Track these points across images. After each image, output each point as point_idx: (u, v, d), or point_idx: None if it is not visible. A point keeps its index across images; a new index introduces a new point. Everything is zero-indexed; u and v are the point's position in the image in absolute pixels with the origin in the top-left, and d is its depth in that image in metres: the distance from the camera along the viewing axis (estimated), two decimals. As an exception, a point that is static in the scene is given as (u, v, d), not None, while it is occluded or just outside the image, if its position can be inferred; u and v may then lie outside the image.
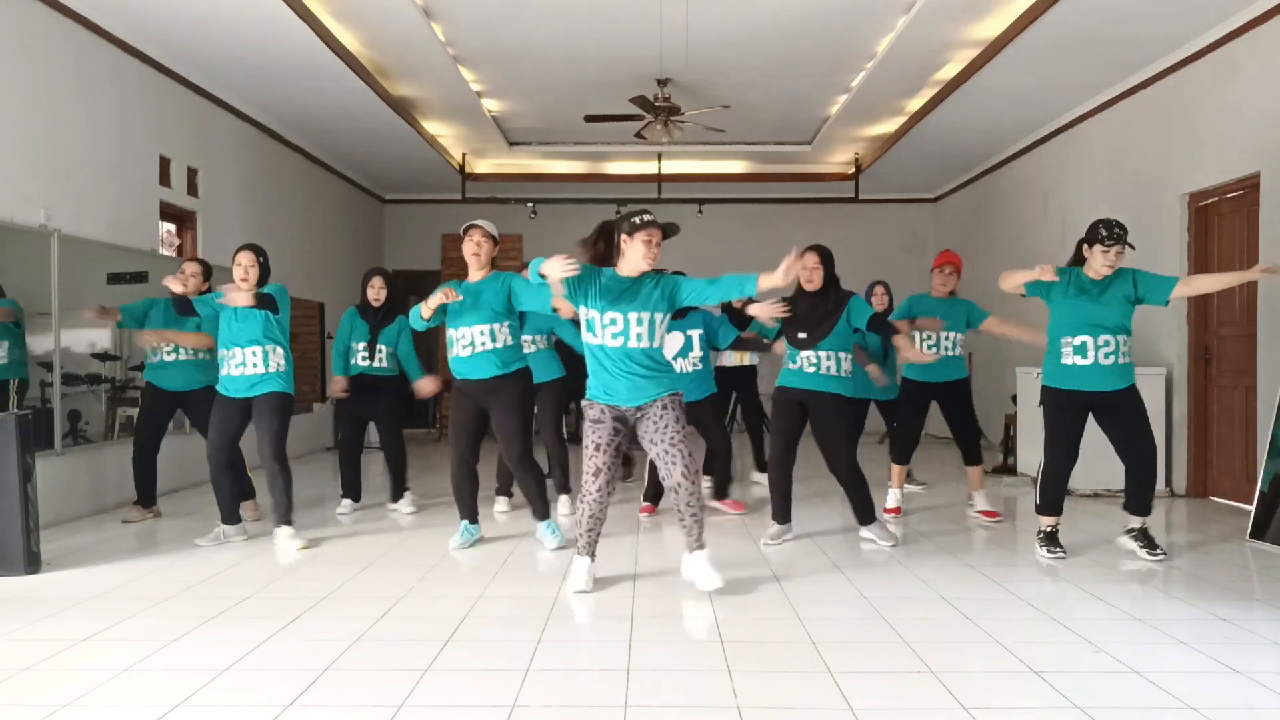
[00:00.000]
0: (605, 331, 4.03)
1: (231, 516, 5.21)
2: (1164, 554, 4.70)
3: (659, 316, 4.06)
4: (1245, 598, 4.03)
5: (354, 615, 3.71)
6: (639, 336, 4.03)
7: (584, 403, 4.14)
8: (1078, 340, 4.62)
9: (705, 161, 11.24)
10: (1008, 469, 8.08)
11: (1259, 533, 5.11)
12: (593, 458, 4.07)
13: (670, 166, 11.44)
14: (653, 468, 6.07)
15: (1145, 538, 4.75)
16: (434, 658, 3.19)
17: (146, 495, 5.85)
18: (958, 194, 11.86)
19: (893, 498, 5.97)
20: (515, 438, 4.91)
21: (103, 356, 6.38)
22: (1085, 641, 3.40)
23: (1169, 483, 6.83)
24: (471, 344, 4.82)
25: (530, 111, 9.19)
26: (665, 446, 4.06)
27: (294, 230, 9.55)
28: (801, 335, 4.94)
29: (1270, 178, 5.93)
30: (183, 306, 5.13)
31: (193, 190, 7.65)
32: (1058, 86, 7.76)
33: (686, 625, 3.64)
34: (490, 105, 9.00)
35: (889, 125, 9.47)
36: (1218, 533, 5.46)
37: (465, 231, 4.91)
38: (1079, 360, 4.62)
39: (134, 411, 6.65)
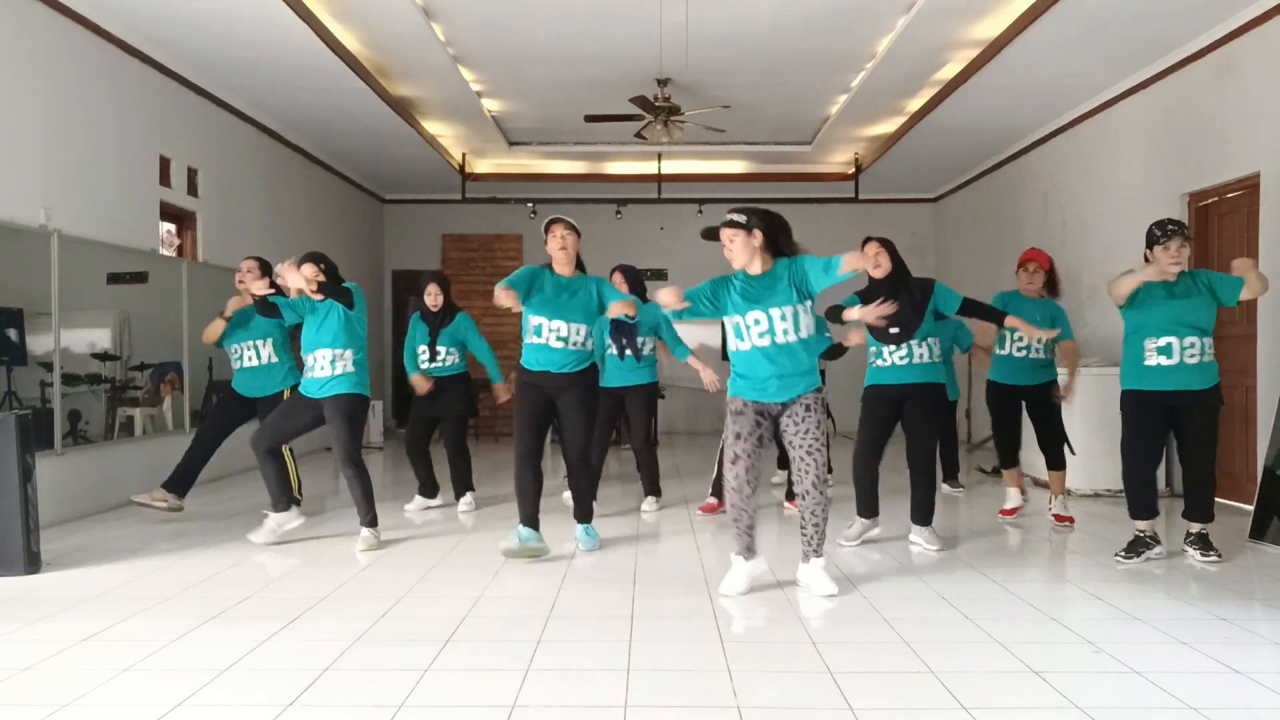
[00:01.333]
0: (752, 332, 4.02)
1: (280, 503, 5.15)
2: (1218, 557, 4.66)
3: (801, 307, 4.03)
4: (1245, 598, 4.03)
5: (354, 615, 3.71)
6: (785, 332, 4.00)
7: (728, 398, 4.13)
8: (1163, 341, 4.59)
9: (705, 161, 11.24)
10: (1008, 469, 8.07)
11: (1259, 533, 5.11)
12: (731, 446, 4.06)
13: (670, 166, 11.44)
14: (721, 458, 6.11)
15: (1202, 542, 4.72)
16: (434, 658, 3.19)
17: (182, 483, 5.82)
18: (958, 194, 11.86)
19: (1012, 498, 5.93)
20: (582, 434, 4.86)
21: (103, 356, 6.38)
22: (1085, 641, 3.40)
23: (1169, 483, 6.82)
24: (566, 339, 4.75)
25: (530, 111, 9.19)
26: (802, 453, 4.05)
27: (294, 230, 9.55)
28: (894, 330, 4.81)
29: (1270, 178, 5.93)
30: (265, 308, 5.06)
31: (193, 190, 7.66)
32: (1057, 86, 7.76)
33: (686, 625, 3.63)
34: (490, 105, 9.00)
35: (889, 125, 9.47)
36: (1218, 533, 5.44)
37: (547, 227, 4.80)
38: (1163, 361, 4.59)
39: (134, 411, 6.67)
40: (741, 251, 4.03)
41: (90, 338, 6.29)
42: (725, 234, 4.06)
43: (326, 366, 5.00)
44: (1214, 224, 6.71)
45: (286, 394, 5.77)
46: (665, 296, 3.97)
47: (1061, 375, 5.95)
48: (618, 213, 12.05)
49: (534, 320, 4.76)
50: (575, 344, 4.78)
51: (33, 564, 4.45)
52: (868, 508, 5.06)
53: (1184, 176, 6.83)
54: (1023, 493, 6.06)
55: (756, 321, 4.01)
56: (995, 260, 9.70)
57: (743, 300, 4.04)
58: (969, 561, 4.70)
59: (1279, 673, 3.11)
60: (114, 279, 6.51)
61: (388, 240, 12.83)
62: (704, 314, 4.12)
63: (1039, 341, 5.61)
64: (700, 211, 12.00)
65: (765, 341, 4.00)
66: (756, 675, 3.03)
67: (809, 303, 4.05)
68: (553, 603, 3.92)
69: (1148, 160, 7.31)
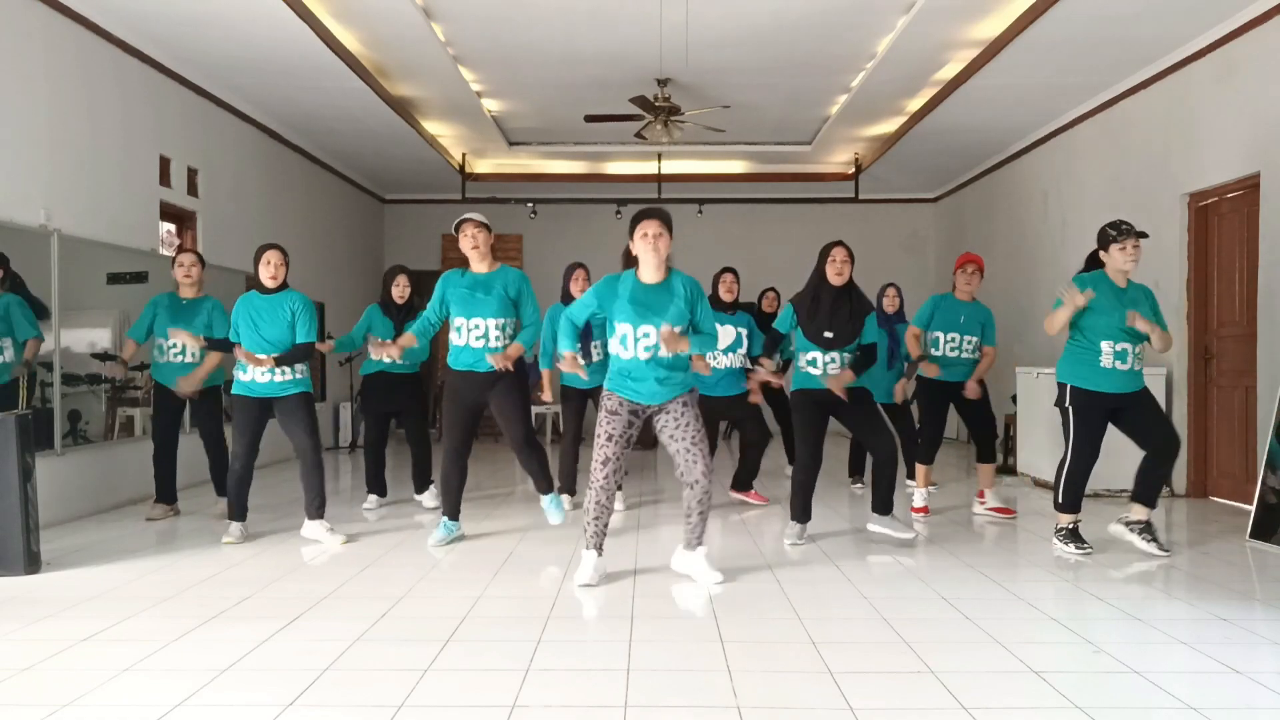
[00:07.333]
0: (639, 345, 4.07)
1: (244, 513, 5.30)
2: (1169, 552, 4.73)
3: (688, 326, 4.13)
4: (1245, 598, 4.03)
5: (354, 615, 3.71)
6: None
7: (604, 392, 4.21)
8: (1119, 346, 4.70)
9: (705, 161, 11.25)
10: (1007, 469, 8.09)
11: (1259, 533, 5.11)
12: (603, 447, 4.14)
13: (670, 166, 11.44)
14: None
15: (1152, 531, 4.81)
16: (434, 658, 3.19)
17: (165, 492, 5.93)
18: (958, 194, 11.86)
19: (919, 497, 5.99)
20: (517, 420, 4.97)
21: (102, 357, 6.38)
22: (1085, 641, 3.40)
23: (1169, 482, 6.83)
24: (485, 335, 4.85)
25: (530, 111, 9.19)
26: (686, 444, 4.15)
27: (294, 230, 9.54)
28: (828, 335, 4.89)
29: (1270, 178, 5.93)
30: (226, 345, 5.24)
31: (193, 190, 7.65)
32: (1058, 86, 7.76)
33: (686, 625, 3.64)
34: (490, 105, 9.00)
35: (889, 125, 9.47)
36: (1218, 533, 5.45)
37: (457, 228, 4.90)
38: (1118, 365, 4.71)
39: (134, 411, 6.68)
40: (664, 250, 4.08)
41: (90, 338, 6.29)
42: (655, 227, 4.06)
43: (287, 370, 5.12)
44: (1214, 224, 6.70)
45: (221, 390, 5.94)
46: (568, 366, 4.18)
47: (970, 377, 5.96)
48: (618, 213, 12.04)
49: (454, 320, 4.90)
50: (496, 339, 4.86)
51: (33, 564, 4.45)
52: (804, 512, 5.11)
53: (1184, 176, 6.83)
54: (927, 487, 6.13)
55: (645, 335, 4.06)
56: (996, 260, 9.69)
57: (633, 309, 4.06)
58: (969, 561, 4.70)
59: (1279, 673, 3.11)
60: (114, 279, 6.50)
61: (388, 240, 12.83)
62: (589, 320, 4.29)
63: (969, 342, 5.88)
64: (700, 211, 12.01)
65: (648, 356, 4.08)
66: (756, 675, 3.02)
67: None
68: (553, 603, 3.92)
69: (1148, 160, 7.31)
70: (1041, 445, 7.28)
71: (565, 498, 6.34)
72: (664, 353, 4.07)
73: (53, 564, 4.63)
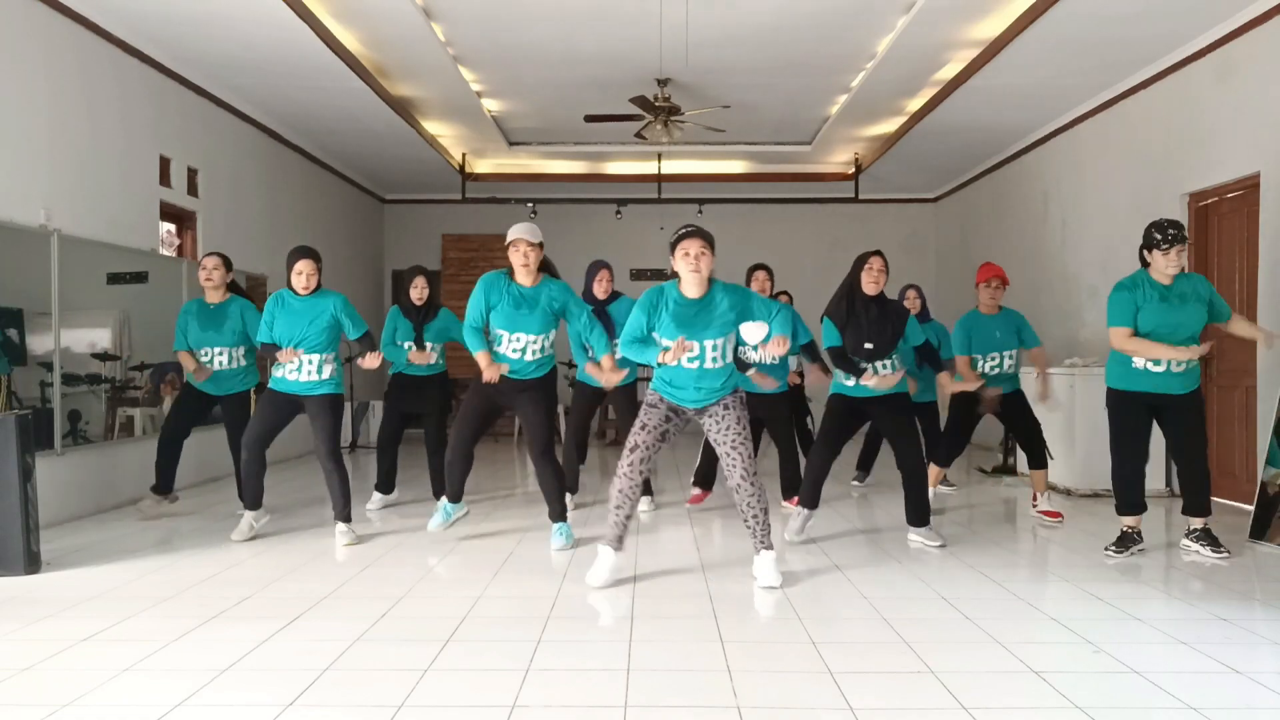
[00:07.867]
0: (680, 360, 4.08)
1: (257, 502, 5.30)
2: (1228, 553, 4.73)
3: (732, 337, 4.13)
4: (1245, 598, 4.03)
5: (354, 615, 3.71)
6: (715, 360, 4.12)
7: (648, 391, 4.26)
8: None
9: (705, 161, 11.24)
10: (1008, 469, 8.09)
11: (1259, 533, 5.11)
12: (635, 434, 4.18)
13: (670, 166, 11.44)
14: (706, 448, 6.23)
15: (1208, 537, 4.79)
16: (434, 658, 3.19)
17: (165, 481, 5.89)
18: (958, 194, 11.86)
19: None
20: (540, 431, 4.97)
21: (103, 356, 6.38)
22: (1085, 641, 3.40)
23: (1168, 483, 6.83)
24: (524, 350, 4.86)
25: (530, 111, 9.19)
26: (727, 448, 4.16)
27: (294, 230, 9.54)
28: (869, 346, 4.85)
29: (1270, 178, 5.93)
30: (269, 351, 5.20)
31: (193, 190, 7.65)
32: (1058, 86, 7.76)
33: (686, 625, 3.63)
34: (490, 105, 9.00)
35: (889, 125, 9.47)
36: (1218, 533, 5.45)
37: (509, 245, 4.84)
38: (1150, 367, 4.66)
39: (134, 411, 6.67)
40: (705, 269, 4.06)
41: (90, 338, 6.29)
42: (697, 246, 4.04)
43: (314, 372, 5.13)
44: (1214, 224, 6.71)
45: (253, 394, 5.92)
46: (671, 357, 3.98)
47: (1037, 381, 6.09)
48: (618, 213, 12.05)
49: (495, 331, 4.89)
50: (534, 355, 4.88)
51: (33, 564, 4.45)
52: (812, 499, 5.11)
53: (1184, 176, 6.83)
54: (935, 488, 6.15)
55: (689, 348, 4.06)
56: (995, 260, 9.68)
57: (676, 326, 4.07)
58: (969, 561, 4.70)
59: (1279, 673, 3.11)
60: (114, 279, 6.51)
61: (388, 240, 12.84)
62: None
63: (1010, 356, 5.85)
64: (700, 211, 12.00)
65: (694, 366, 4.10)
66: (756, 675, 3.03)
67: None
68: (553, 603, 3.92)
69: (1148, 160, 7.31)
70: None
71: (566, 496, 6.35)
72: (709, 364, 4.09)
73: (53, 564, 4.63)
